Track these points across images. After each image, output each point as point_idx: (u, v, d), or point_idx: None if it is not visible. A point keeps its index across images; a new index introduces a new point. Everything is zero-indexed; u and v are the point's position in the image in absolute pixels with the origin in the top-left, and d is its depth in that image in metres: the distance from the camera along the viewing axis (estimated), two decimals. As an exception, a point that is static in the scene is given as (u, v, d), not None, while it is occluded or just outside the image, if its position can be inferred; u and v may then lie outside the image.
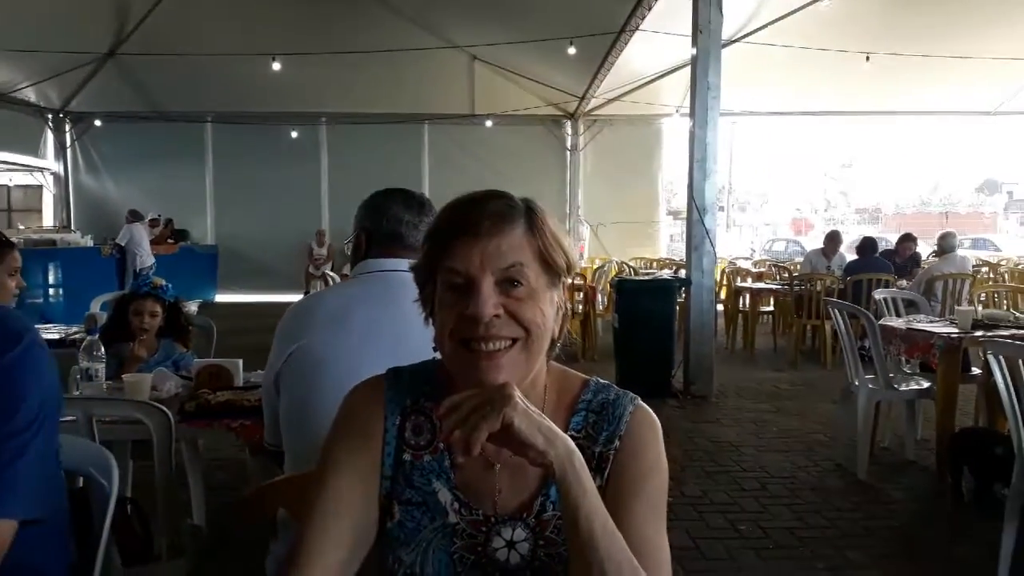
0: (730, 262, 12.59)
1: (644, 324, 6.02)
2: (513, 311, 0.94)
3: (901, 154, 51.74)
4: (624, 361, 6.16)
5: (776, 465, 4.28)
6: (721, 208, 41.41)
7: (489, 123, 12.71)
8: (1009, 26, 9.88)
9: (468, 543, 0.99)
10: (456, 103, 12.57)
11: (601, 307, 8.64)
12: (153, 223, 11.59)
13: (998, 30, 9.81)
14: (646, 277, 7.75)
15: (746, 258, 14.77)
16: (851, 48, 9.53)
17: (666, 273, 9.02)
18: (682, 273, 7.00)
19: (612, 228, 13.78)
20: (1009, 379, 2.52)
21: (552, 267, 0.98)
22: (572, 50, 9.26)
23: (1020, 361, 2.49)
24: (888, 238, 14.73)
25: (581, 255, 13.71)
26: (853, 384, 4.14)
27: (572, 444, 0.90)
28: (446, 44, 10.74)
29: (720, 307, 9.77)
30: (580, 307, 8.09)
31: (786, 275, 8.97)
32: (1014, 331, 3.83)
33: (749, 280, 9.84)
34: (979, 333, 3.84)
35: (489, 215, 0.96)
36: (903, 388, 4.16)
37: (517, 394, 0.87)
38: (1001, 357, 2.55)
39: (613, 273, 9.75)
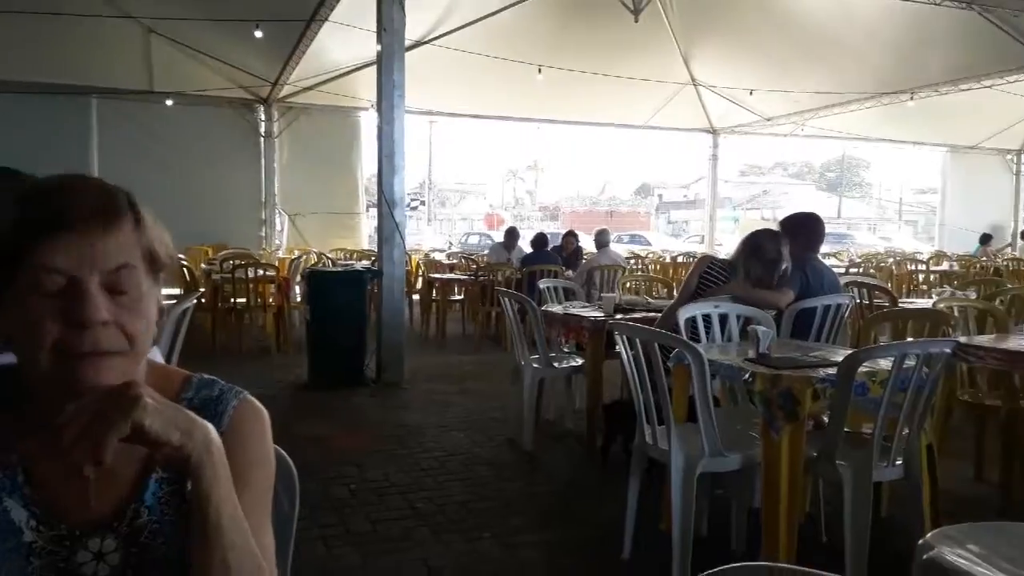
0: (426, 254, 13.08)
1: (336, 315, 6.04)
2: (120, 321, 0.87)
3: (577, 158, 58.07)
4: (317, 353, 6.11)
5: (455, 443, 4.58)
6: (422, 202, 42.82)
7: (170, 102, 11.70)
8: (653, 53, 11.58)
9: (48, 561, 0.92)
10: (131, 77, 11.36)
11: (298, 299, 8.47)
12: None
13: (644, 55, 11.43)
14: (340, 269, 7.75)
15: (442, 250, 15.43)
16: (526, 59, 10.43)
17: (365, 264, 9.10)
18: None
19: (312, 219, 13.52)
20: (629, 353, 2.98)
21: (157, 265, 0.93)
22: (259, 33, 8.91)
23: (638, 339, 2.96)
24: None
25: (279, 246, 13.30)
26: (521, 364, 4.58)
27: (213, 433, 0.88)
28: (117, 13, 9.66)
29: (416, 297, 10.16)
30: (272, 300, 7.87)
31: (474, 266, 9.56)
32: (645, 314, 4.52)
33: (446, 271, 10.32)
34: (619, 316, 4.47)
35: (93, 208, 0.87)
36: (561, 366, 4.69)
37: (145, 392, 0.82)
38: (624, 336, 3.02)
39: (311, 264, 9.61)
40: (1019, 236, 15.05)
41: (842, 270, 9.20)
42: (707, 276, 4.02)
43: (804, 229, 4.25)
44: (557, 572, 2.99)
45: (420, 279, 10.35)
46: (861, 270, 9.38)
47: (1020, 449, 3.67)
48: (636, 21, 9.64)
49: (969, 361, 3.55)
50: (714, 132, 15.95)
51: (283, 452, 1.23)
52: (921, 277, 10.03)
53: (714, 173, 16.66)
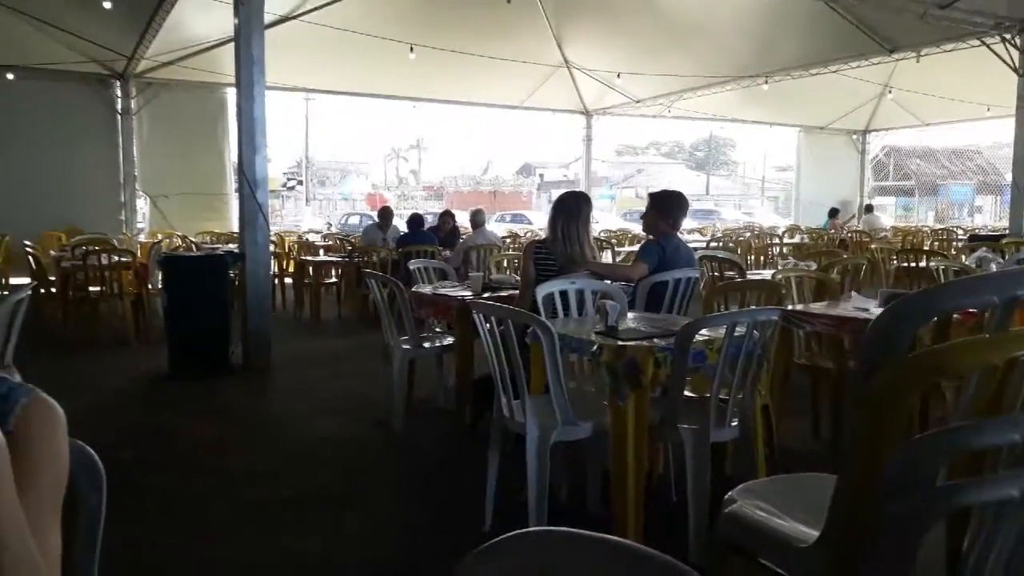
0: (300, 236, 12.76)
1: (196, 302, 5.81)
2: None
3: (460, 138, 58.08)
4: (176, 341, 5.85)
5: (324, 428, 4.54)
6: (300, 182, 41.54)
7: (11, 76, 10.79)
8: (526, 35, 11.71)
9: None
10: (-38, 47, 10.40)
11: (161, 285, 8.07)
12: None
13: (517, 37, 11.54)
14: (199, 253, 7.45)
15: (319, 232, 15.09)
16: (397, 38, 10.31)
17: (230, 248, 8.78)
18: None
19: (177, 201, 12.90)
20: (487, 330, 3.05)
21: None
22: (108, 4, 8.35)
23: (494, 317, 3.03)
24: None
25: (140, 230, 12.62)
26: (390, 345, 4.58)
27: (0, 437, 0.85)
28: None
29: (289, 280, 9.91)
30: (130, 287, 7.47)
31: (349, 248, 9.42)
32: (511, 292, 4.62)
33: (321, 253, 10.11)
34: (486, 295, 4.54)
35: None
36: (432, 346, 4.73)
37: None
38: (481, 315, 3.08)
39: (173, 248, 9.20)
40: (862, 210, 16.35)
41: (703, 244, 9.70)
42: (539, 259, 4.15)
43: (672, 204, 4.42)
44: (419, 547, 3.04)
45: (293, 262, 10.11)
46: (721, 244, 9.90)
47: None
48: (508, 2, 9.70)
49: (801, 327, 3.86)
50: (587, 113, 16.32)
51: (85, 446, 1.20)
52: (776, 250, 10.70)
53: (588, 153, 17.07)
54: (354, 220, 25.39)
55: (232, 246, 8.85)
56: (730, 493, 1.64)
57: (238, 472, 3.78)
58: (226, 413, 4.89)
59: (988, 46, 9.74)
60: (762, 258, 10.62)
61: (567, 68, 13.71)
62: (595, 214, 20.15)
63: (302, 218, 29.14)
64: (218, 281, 5.91)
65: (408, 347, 4.54)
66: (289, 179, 42.62)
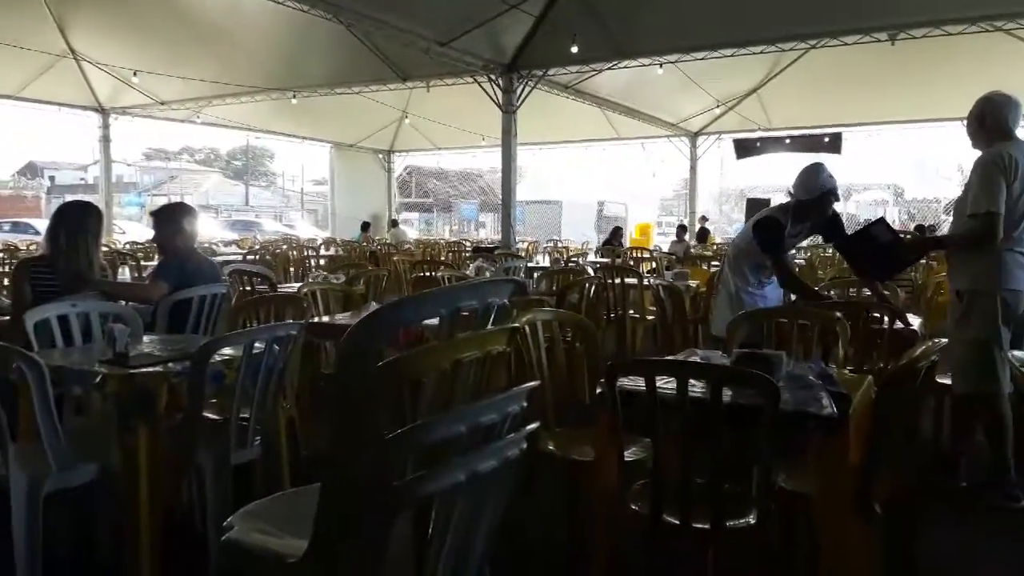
0: None
1: None
2: None
3: (-68, 127, 46.76)
4: None
5: None
6: None
7: None
8: (16, 13, 10.09)
9: None
10: None
11: None
12: None
13: (5, 14, 9.89)
14: None
15: None
16: None
17: None
18: None
19: None
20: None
21: None
22: None
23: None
24: None
25: None
26: None
27: None
28: None
29: None
30: None
31: None
32: (-3, 318, 3.90)
33: None
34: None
35: None
36: None
37: None
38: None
39: None
40: (390, 224, 17.78)
41: (239, 257, 9.48)
42: (36, 278, 3.66)
43: (182, 216, 4.24)
44: None
45: None
46: (259, 257, 9.80)
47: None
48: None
49: (324, 339, 4.04)
50: (103, 111, 14.67)
51: None
52: (313, 262, 10.98)
53: (107, 155, 15.35)
54: None
55: None
56: (229, 519, 1.62)
57: None
58: None
59: (480, 84, 11.41)
60: (300, 270, 10.80)
61: (74, 59, 12.10)
62: (122, 224, 18.49)
63: None
64: None
65: None
66: None
